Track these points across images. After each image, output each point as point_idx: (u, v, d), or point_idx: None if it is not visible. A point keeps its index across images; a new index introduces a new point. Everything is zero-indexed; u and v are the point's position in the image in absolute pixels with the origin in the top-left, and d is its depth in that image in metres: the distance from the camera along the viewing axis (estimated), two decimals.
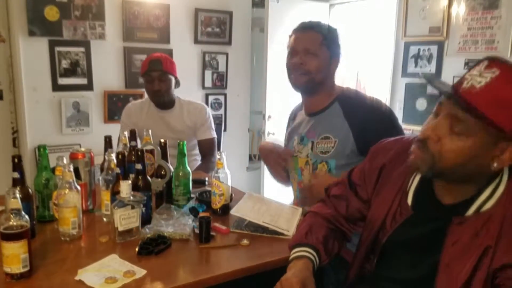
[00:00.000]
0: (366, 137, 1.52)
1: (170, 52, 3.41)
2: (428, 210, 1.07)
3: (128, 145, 1.88)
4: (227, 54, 3.76)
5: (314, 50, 1.62)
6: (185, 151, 1.73)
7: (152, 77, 2.29)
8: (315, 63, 1.62)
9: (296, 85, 1.70)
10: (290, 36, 1.70)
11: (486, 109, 0.84)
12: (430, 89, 3.18)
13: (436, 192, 1.05)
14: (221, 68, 3.76)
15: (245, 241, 1.43)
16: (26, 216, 1.16)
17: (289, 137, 1.86)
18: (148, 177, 1.59)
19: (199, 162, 2.52)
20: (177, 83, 2.44)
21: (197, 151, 2.53)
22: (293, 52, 1.67)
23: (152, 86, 2.31)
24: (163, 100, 2.38)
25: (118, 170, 1.60)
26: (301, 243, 1.18)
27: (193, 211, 1.59)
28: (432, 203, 1.05)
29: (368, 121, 1.57)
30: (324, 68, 1.64)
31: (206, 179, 2.11)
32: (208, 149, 2.49)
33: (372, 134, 1.39)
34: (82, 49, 3.08)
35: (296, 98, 1.84)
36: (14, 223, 1.13)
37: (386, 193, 1.15)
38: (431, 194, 1.06)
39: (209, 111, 2.53)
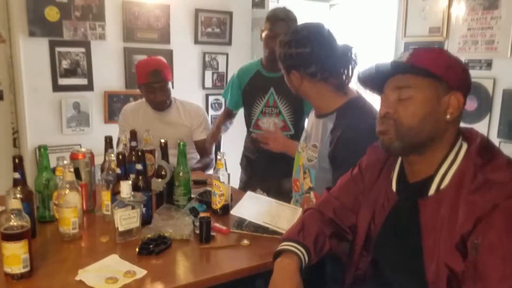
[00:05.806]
0: (335, 162, 1.50)
1: (170, 53, 3.41)
2: (403, 191, 1.11)
3: (128, 146, 1.89)
4: (227, 55, 3.76)
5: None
6: (185, 152, 1.73)
7: (154, 88, 2.31)
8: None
9: None
10: None
11: (423, 63, 1.01)
12: None
13: (406, 172, 1.10)
14: (221, 68, 3.76)
15: (245, 241, 1.43)
16: (27, 217, 1.17)
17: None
18: (149, 178, 1.59)
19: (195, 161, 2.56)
20: (172, 84, 2.46)
21: (193, 149, 2.56)
22: None
23: (154, 96, 2.33)
24: (166, 107, 2.43)
25: (118, 171, 1.60)
26: (292, 239, 1.20)
27: (193, 211, 1.59)
28: (404, 183, 1.10)
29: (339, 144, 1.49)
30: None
31: (207, 179, 2.11)
32: (204, 148, 2.55)
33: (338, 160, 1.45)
34: (82, 49, 3.08)
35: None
36: (15, 224, 1.13)
37: (373, 193, 1.18)
38: (404, 175, 1.11)
39: (205, 111, 2.60)
